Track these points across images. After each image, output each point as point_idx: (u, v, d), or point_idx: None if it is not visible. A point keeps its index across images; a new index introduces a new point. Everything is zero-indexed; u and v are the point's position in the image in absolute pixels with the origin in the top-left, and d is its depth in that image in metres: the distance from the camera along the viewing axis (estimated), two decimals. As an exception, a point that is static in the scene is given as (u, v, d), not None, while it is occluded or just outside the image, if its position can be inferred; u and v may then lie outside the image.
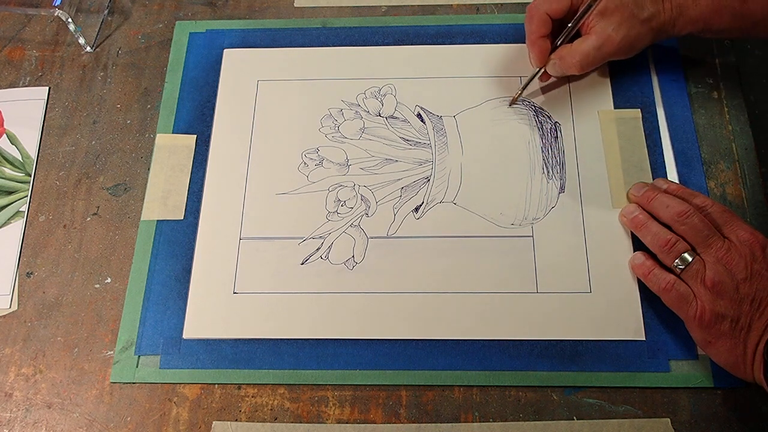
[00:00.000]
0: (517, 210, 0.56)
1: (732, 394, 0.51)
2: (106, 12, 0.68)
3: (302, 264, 0.55)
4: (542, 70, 0.59)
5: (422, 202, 0.57)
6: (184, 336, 0.54)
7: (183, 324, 0.54)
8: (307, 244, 0.56)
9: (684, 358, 0.51)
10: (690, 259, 0.49)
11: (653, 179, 0.57)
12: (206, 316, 0.54)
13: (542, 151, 0.58)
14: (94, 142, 0.62)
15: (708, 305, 0.48)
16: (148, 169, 0.60)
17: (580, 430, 0.50)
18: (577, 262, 0.54)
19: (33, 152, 0.62)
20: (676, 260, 0.49)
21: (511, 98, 0.61)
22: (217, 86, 0.63)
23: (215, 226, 0.57)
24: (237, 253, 0.56)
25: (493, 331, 0.52)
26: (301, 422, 0.51)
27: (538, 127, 0.60)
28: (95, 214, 0.59)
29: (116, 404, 0.52)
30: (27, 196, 0.60)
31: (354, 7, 0.67)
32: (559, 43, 0.57)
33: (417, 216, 0.57)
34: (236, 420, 0.51)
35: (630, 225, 0.54)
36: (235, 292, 0.55)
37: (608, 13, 0.55)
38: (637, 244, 0.54)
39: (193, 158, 0.60)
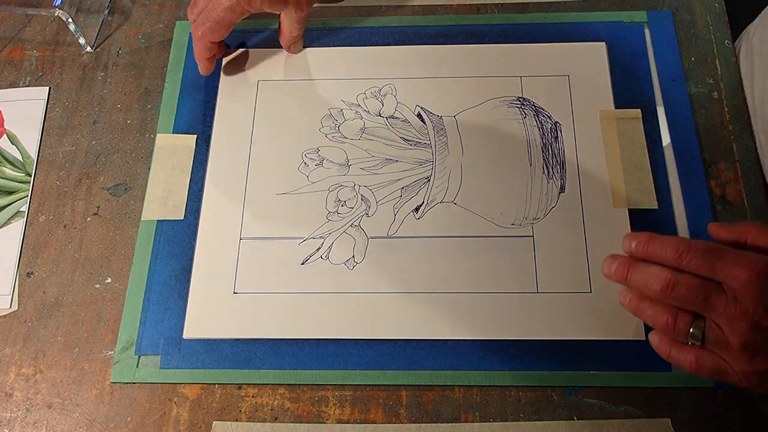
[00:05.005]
0: (517, 210, 0.56)
1: (732, 394, 0.51)
2: (106, 12, 0.68)
3: (302, 264, 0.55)
4: None
5: (422, 202, 0.57)
6: (185, 336, 0.54)
7: (183, 324, 0.54)
8: (308, 244, 0.56)
9: (684, 358, 0.51)
10: (701, 331, 0.43)
11: (653, 180, 0.57)
12: (206, 316, 0.54)
13: (542, 151, 0.59)
14: (94, 142, 0.62)
15: (747, 368, 0.41)
16: (149, 169, 0.60)
17: (580, 430, 0.50)
18: (577, 262, 0.54)
19: (33, 152, 0.62)
20: (688, 339, 0.43)
21: None
22: (217, 86, 0.63)
23: (215, 226, 0.57)
24: (237, 253, 0.56)
25: (493, 331, 0.52)
26: (301, 422, 0.51)
27: (538, 127, 0.60)
28: (95, 214, 0.59)
29: (116, 404, 0.52)
30: (27, 196, 0.60)
31: (354, 7, 0.67)
32: None
33: (417, 216, 0.57)
34: (236, 420, 0.51)
35: (628, 311, 0.47)
36: (235, 292, 0.55)
37: None
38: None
39: (193, 158, 0.60)
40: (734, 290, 0.41)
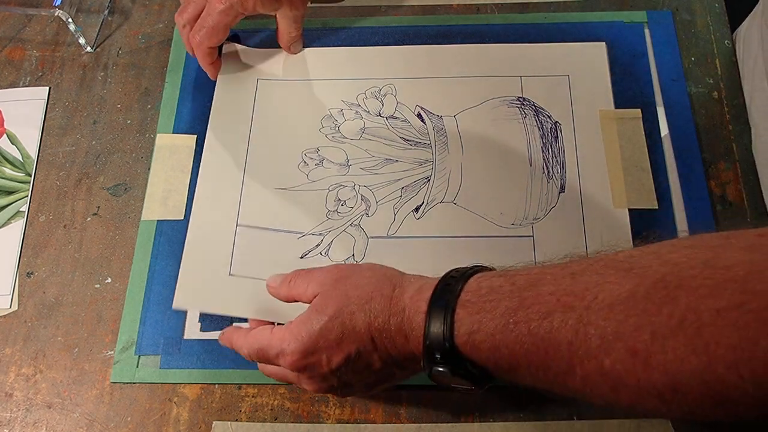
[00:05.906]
0: (517, 210, 0.56)
1: (732, 394, 0.50)
2: (106, 12, 0.68)
3: (301, 258, 0.55)
4: None
5: (422, 202, 0.57)
6: (174, 306, 0.53)
7: (183, 324, 0.54)
8: (307, 239, 0.56)
9: (684, 358, 0.51)
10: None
11: (653, 180, 0.57)
12: (199, 291, 0.54)
13: (542, 151, 0.58)
14: (94, 142, 0.62)
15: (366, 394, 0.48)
16: (149, 169, 0.60)
17: (581, 430, 0.50)
18: (577, 262, 0.54)
19: (33, 152, 0.62)
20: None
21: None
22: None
23: (211, 212, 0.57)
24: (233, 237, 0.56)
25: (494, 331, 0.52)
26: (301, 422, 0.51)
27: (538, 127, 0.60)
28: (95, 214, 0.59)
29: (116, 404, 0.52)
30: (27, 196, 0.60)
31: (354, 7, 0.67)
32: None
33: (417, 216, 0.57)
34: (236, 420, 0.51)
35: None
36: (231, 274, 0.54)
37: None
38: (637, 244, 0.54)
39: (194, 158, 0.60)
40: (304, 377, 0.44)
